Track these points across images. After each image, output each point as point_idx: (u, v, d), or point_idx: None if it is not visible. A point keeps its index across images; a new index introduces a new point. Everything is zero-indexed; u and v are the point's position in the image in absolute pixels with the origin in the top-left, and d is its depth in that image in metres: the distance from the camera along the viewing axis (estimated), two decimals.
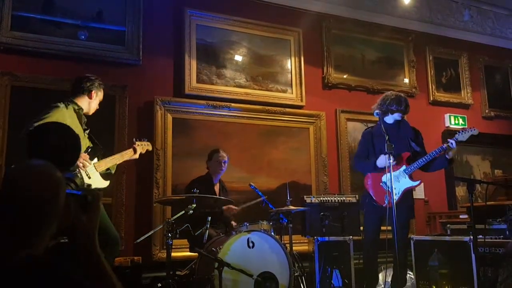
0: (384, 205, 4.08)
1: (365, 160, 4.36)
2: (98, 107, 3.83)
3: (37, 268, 1.18)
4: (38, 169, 1.36)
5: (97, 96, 3.74)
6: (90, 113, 3.77)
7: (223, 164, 4.73)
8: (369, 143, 4.34)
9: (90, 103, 3.70)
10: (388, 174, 3.87)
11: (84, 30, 5.01)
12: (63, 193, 1.35)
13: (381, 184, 4.19)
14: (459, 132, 4.19)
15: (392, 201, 3.74)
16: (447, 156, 4.11)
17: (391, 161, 3.76)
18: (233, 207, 4.68)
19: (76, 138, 2.69)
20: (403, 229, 4.05)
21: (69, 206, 1.36)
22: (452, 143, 4.06)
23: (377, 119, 4.29)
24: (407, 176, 4.15)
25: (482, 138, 7.20)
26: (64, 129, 2.78)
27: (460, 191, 6.99)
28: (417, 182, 4.20)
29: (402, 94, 4.37)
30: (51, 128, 2.89)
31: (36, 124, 3.25)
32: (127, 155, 3.91)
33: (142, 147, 4.06)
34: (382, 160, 4.02)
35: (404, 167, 4.14)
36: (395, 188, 3.99)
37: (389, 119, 4.28)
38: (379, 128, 4.21)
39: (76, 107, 3.61)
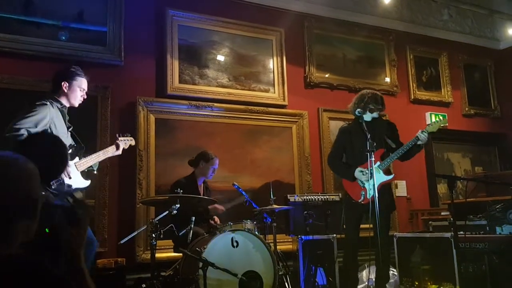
0: (359, 201, 4.16)
1: (339, 161, 4.42)
2: (84, 96, 3.71)
3: (12, 266, 1.12)
4: (4, 162, 1.29)
5: (71, 85, 3.60)
6: (76, 105, 3.66)
7: (215, 172, 4.76)
8: (346, 141, 4.39)
9: (67, 96, 3.60)
10: (366, 170, 4.10)
11: (64, 31, 4.96)
12: (36, 186, 1.29)
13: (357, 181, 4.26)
14: (429, 124, 4.28)
15: (375, 197, 3.77)
16: (419, 143, 4.18)
17: (373, 159, 3.82)
18: (219, 206, 4.69)
19: (64, 149, 2.66)
20: (384, 224, 4.10)
21: (53, 216, 1.32)
22: (424, 135, 4.14)
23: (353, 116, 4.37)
24: (381, 172, 4.19)
25: (462, 136, 7.39)
26: (52, 140, 2.75)
27: (442, 188, 7.08)
28: (391, 176, 4.26)
29: (377, 92, 4.45)
30: (39, 140, 2.85)
31: (22, 122, 3.21)
32: (110, 151, 3.86)
33: (125, 142, 4.01)
34: (359, 175, 4.17)
35: (378, 163, 4.19)
36: (369, 184, 4.09)
37: (367, 117, 4.32)
38: (357, 126, 4.30)
39: (60, 105, 3.55)
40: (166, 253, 4.72)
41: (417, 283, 4.42)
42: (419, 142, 4.16)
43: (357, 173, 4.18)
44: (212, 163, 4.71)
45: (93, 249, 3.55)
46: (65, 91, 3.59)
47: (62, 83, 3.58)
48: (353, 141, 4.33)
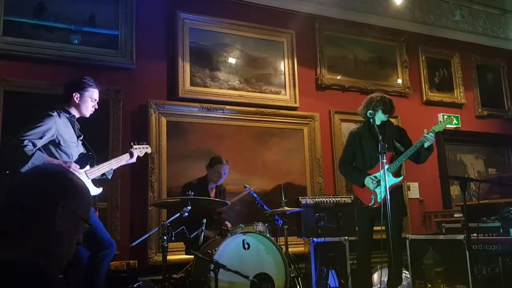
0: (370, 205, 4.16)
1: (350, 166, 4.42)
2: (96, 107, 3.72)
3: (11, 270, 1.11)
4: (34, 174, 1.34)
5: (82, 96, 3.61)
6: (87, 115, 3.68)
7: (222, 175, 4.72)
8: (356, 145, 4.38)
9: (79, 107, 3.62)
10: (376, 174, 4.13)
11: (76, 35, 5.00)
12: (60, 202, 1.30)
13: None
14: (436, 124, 4.25)
15: (387, 199, 3.75)
16: (426, 145, 4.15)
17: (384, 160, 3.81)
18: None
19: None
20: (396, 227, 4.07)
21: None
22: (430, 135, 4.11)
23: (364, 119, 4.39)
24: (390, 175, 4.15)
25: (475, 137, 7.32)
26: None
27: (455, 190, 7.02)
28: (400, 178, 4.23)
29: (386, 96, 4.44)
30: None
31: (28, 133, 3.24)
32: (123, 159, 3.86)
33: (140, 150, 4.01)
34: (369, 183, 4.17)
35: (387, 166, 4.15)
36: (380, 187, 4.10)
37: (377, 120, 4.31)
38: (367, 130, 4.34)
39: (68, 115, 3.57)
40: (177, 256, 4.73)
41: (429, 285, 4.39)
42: (426, 144, 4.13)
43: (367, 180, 4.18)
44: (215, 169, 4.68)
45: (112, 251, 3.58)
46: (76, 101, 3.60)
47: (74, 94, 3.59)
48: (363, 144, 4.33)
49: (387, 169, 4.08)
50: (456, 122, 7.10)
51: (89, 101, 3.66)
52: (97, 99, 3.74)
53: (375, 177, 4.14)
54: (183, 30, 5.50)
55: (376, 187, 4.14)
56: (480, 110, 7.44)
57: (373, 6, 6.71)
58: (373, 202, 4.14)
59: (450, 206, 6.76)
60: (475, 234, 4.01)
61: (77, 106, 3.62)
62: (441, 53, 7.31)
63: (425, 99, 7.00)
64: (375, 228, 4.23)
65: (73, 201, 1.34)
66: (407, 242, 4.68)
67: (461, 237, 4.17)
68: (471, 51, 7.59)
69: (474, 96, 7.48)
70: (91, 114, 3.73)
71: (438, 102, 7.10)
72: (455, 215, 5.76)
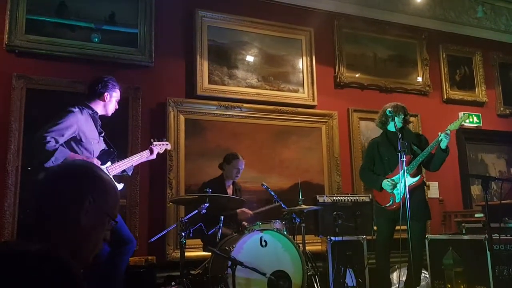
0: (388, 205, 4.20)
1: (370, 172, 4.47)
2: (117, 107, 3.82)
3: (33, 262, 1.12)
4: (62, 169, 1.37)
5: (111, 97, 3.72)
6: (109, 114, 3.77)
7: (240, 171, 4.76)
8: (374, 152, 4.45)
9: (105, 106, 3.70)
10: (393, 177, 4.19)
11: (97, 33, 5.06)
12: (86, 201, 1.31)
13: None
14: (451, 123, 4.26)
15: (406, 198, 3.72)
16: (441, 146, 4.15)
17: (404, 159, 3.79)
18: (248, 211, 4.68)
19: None
20: (418, 229, 4.05)
21: None
22: (446, 133, 4.11)
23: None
24: (408, 175, 4.14)
25: (497, 136, 7.20)
26: None
27: (476, 190, 6.92)
28: (418, 178, 4.24)
29: (399, 103, 4.44)
30: None
31: (50, 130, 3.29)
32: (144, 156, 3.93)
33: (160, 147, 4.07)
34: (386, 185, 4.22)
35: (405, 167, 4.13)
36: (398, 189, 4.13)
37: (391, 126, 4.33)
38: (384, 137, 4.43)
39: (91, 111, 3.63)
40: (195, 252, 4.74)
41: (449, 286, 4.33)
42: (442, 144, 4.11)
43: (384, 183, 4.23)
44: (233, 165, 4.71)
45: (132, 247, 3.62)
46: (106, 101, 3.70)
47: (105, 94, 3.68)
48: (381, 151, 4.39)
49: (405, 170, 4.07)
50: (477, 121, 7.00)
51: (114, 102, 3.78)
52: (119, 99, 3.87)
53: (393, 180, 4.19)
54: (201, 28, 5.52)
55: (393, 189, 4.16)
56: (502, 108, 7.31)
57: (393, 3, 6.64)
58: (391, 202, 4.15)
59: (470, 206, 6.66)
60: (496, 235, 3.94)
61: (105, 106, 3.71)
62: (462, 51, 7.20)
63: (445, 97, 6.90)
64: (397, 227, 4.22)
65: (100, 197, 1.34)
66: (427, 242, 4.62)
67: (482, 237, 4.10)
68: (493, 48, 7.46)
69: (496, 95, 7.35)
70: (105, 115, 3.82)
71: (459, 100, 6.99)
72: (476, 215, 5.67)
